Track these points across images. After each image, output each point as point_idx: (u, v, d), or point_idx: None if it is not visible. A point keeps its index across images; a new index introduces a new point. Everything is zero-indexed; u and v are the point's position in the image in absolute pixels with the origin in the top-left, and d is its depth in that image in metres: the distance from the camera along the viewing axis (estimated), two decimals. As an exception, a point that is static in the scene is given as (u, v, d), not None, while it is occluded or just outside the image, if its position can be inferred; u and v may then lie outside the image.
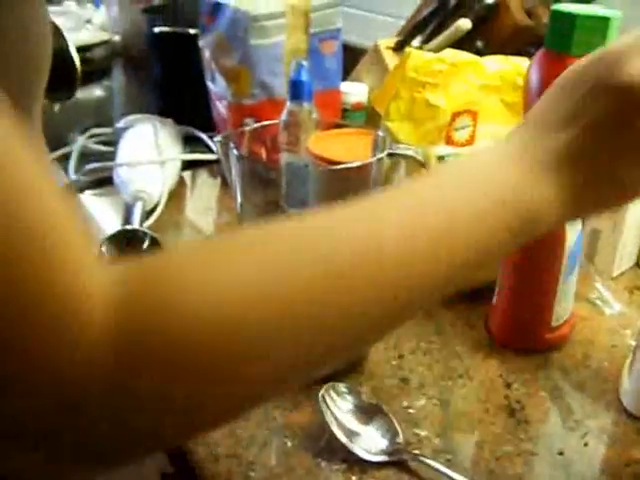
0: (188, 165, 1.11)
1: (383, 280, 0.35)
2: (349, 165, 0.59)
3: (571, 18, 0.59)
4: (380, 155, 0.60)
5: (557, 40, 0.61)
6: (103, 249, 0.78)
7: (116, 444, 0.32)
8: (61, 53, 0.92)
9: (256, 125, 0.67)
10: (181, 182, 1.07)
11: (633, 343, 0.71)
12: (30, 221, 0.28)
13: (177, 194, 1.03)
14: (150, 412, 0.31)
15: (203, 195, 1.08)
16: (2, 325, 0.27)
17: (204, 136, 1.16)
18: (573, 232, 0.66)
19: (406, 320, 0.40)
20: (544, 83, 0.61)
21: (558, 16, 0.60)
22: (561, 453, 0.59)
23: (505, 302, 0.70)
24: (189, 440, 0.56)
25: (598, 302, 0.79)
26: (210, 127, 1.15)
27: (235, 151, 0.60)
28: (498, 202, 0.39)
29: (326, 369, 0.39)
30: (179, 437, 0.37)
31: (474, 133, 0.75)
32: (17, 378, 0.28)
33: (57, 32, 0.85)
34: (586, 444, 0.60)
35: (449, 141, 0.74)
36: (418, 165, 0.64)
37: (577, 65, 0.45)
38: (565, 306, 0.70)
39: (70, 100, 0.99)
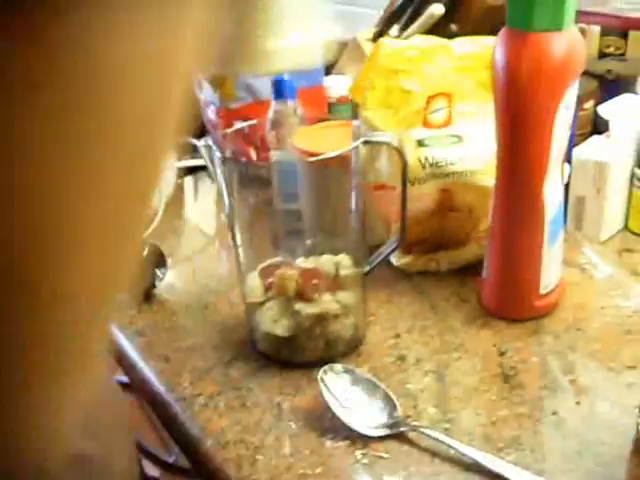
0: (188, 171, 1.14)
1: None
2: (327, 156, 0.61)
3: (528, -5, 0.61)
4: (355, 144, 0.63)
5: (517, 17, 0.63)
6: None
7: None
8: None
9: (238, 126, 0.70)
10: (179, 189, 1.10)
11: (622, 304, 0.74)
12: None
13: (175, 201, 1.06)
14: None
15: (203, 199, 1.11)
16: None
17: (197, 142, 1.18)
18: (553, 200, 0.68)
19: None
20: (508, 60, 0.64)
21: (516, -6, 0.63)
22: (555, 413, 0.61)
23: (493, 274, 0.73)
24: None
25: (587, 267, 0.81)
26: (202, 132, 1.18)
27: (218, 154, 0.63)
28: None
29: None
30: None
31: (450, 114, 0.77)
32: None
33: None
34: (578, 403, 0.62)
35: (426, 124, 0.76)
36: (395, 150, 0.66)
37: None
38: (552, 273, 0.72)
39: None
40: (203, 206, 1.09)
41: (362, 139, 0.63)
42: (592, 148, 0.85)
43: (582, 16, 0.90)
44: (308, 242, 0.68)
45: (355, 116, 1.06)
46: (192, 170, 1.15)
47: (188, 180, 1.14)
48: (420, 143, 0.76)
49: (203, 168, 1.15)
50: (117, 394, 0.65)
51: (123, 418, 0.63)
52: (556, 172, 0.69)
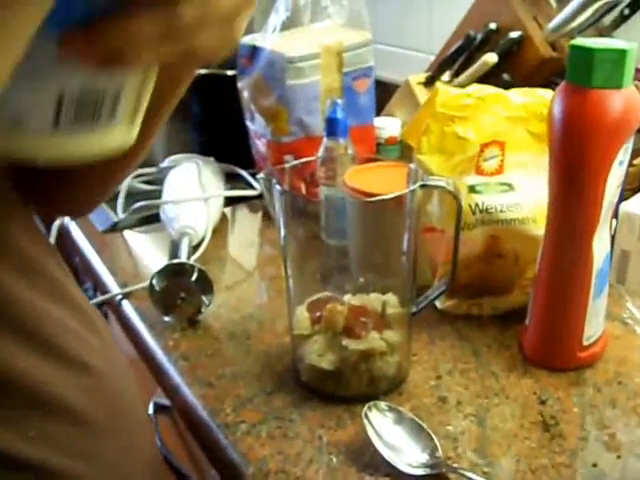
0: (230, 201, 1.16)
1: None
2: (384, 197, 0.63)
3: (589, 52, 0.63)
4: (413, 187, 0.64)
5: (577, 73, 0.64)
6: (154, 282, 0.83)
7: None
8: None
9: (296, 162, 0.72)
10: (224, 218, 1.13)
11: (664, 360, 0.74)
12: None
13: (221, 229, 1.08)
14: None
15: (245, 230, 1.13)
16: None
17: (245, 173, 1.21)
18: (601, 253, 0.69)
19: None
20: (566, 114, 0.65)
21: (577, 51, 0.64)
22: (595, 465, 0.61)
23: (537, 323, 0.74)
24: None
25: (630, 321, 0.81)
26: (250, 164, 1.20)
27: (278, 187, 0.65)
28: None
29: None
30: None
31: (503, 162, 0.78)
32: None
33: None
34: (619, 457, 0.62)
35: (479, 171, 0.78)
36: (450, 195, 0.67)
37: None
38: (596, 325, 0.73)
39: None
40: (243, 237, 1.10)
41: (419, 183, 0.64)
42: (640, 204, 0.86)
43: (636, 72, 0.91)
44: (361, 280, 0.70)
45: (404, 157, 1.07)
46: (231, 201, 1.16)
47: (227, 211, 1.15)
48: (472, 189, 0.77)
49: (242, 199, 1.17)
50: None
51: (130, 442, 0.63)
52: (606, 226, 0.70)
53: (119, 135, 0.43)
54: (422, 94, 1.16)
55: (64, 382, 0.54)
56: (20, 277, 0.51)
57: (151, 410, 0.91)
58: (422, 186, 0.65)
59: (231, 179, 1.22)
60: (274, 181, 0.65)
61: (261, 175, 0.67)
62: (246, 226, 1.14)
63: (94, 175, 0.58)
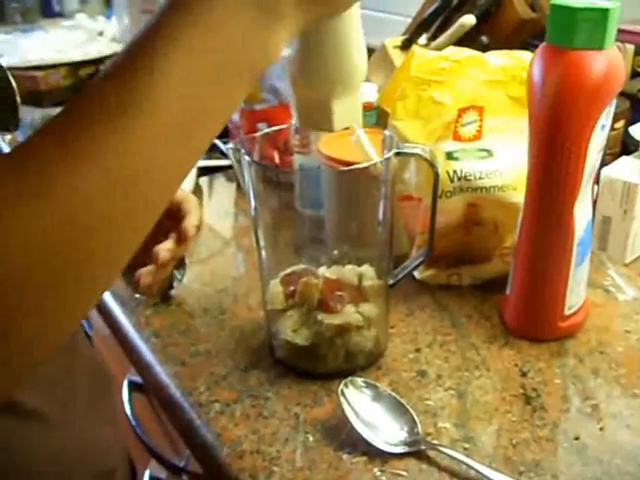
0: (205, 171, 1.13)
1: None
2: (358, 166, 0.60)
3: (571, 11, 0.60)
4: (387, 155, 0.62)
5: (558, 34, 0.62)
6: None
7: None
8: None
9: (266, 130, 0.69)
10: (198, 188, 1.10)
11: (647, 328, 0.73)
12: None
13: (194, 200, 1.05)
14: None
15: (220, 200, 1.10)
16: None
17: (219, 142, 1.18)
18: (582, 220, 0.67)
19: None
20: (546, 76, 0.63)
21: (558, 10, 0.62)
22: (577, 438, 0.60)
23: (518, 292, 0.72)
24: None
25: (611, 289, 0.80)
26: (224, 133, 1.17)
27: (247, 157, 0.62)
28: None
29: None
30: None
31: (481, 128, 0.76)
32: None
33: None
34: (602, 429, 0.61)
35: (456, 137, 0.75)
36: (426, 162, 0.65)
37: None
38: (578, 294, 0.71)
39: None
40: (219, 207, 1.08)
41: (394, 150, 0.62)
42: (621, 168, 0.84)
43: (618, 33, 0.89)
44: (336, 252, 0.67)
45: (380, 123, 1.05)
46: (207, 170, 1.14)
47: (203, 181, 1.13)
48: (449, 156, 0.75)
49: (219, 169, 1.14)
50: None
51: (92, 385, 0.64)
52: (587, 192, 0.68)
53: None
54: (398, 58, 1.12)
55: None
56: None
57: (125, 388, 0.89)
58: (397, 154, 0.62)
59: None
60: (242, 151, 0.62)
61: (230, 146, 0.64)
62: (222, 196, 1.12)
63: None
